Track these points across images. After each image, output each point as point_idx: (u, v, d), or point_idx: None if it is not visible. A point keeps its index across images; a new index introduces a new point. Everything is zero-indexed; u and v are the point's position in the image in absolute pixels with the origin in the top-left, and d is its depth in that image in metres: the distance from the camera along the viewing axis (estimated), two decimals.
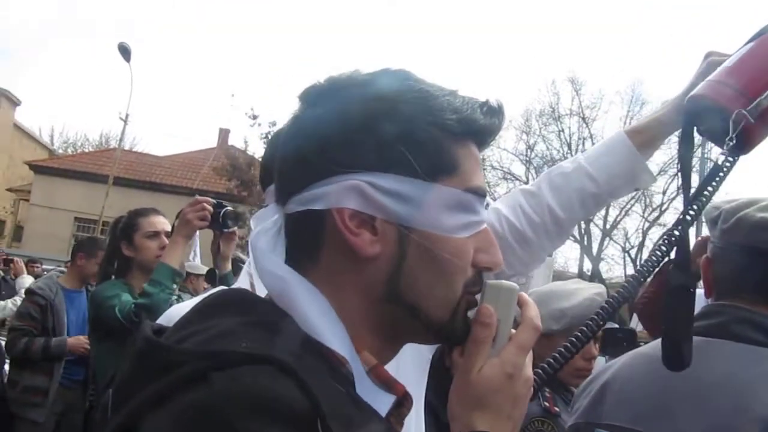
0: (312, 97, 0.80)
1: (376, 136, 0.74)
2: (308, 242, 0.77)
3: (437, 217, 0.75)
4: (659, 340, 1.31)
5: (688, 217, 1.08)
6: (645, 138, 1.36)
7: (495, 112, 0.80)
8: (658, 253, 1.07)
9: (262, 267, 0.77)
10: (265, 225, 0.80)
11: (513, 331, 0.80)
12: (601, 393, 1.39)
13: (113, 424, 0.64)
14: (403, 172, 0.74)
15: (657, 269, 1.08)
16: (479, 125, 0.78)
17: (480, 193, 0.79)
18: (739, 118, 1.09)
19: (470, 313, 0.79)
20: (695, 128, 1.20)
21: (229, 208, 2.79)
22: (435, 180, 0.75)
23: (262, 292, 0.80)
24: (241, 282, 1.35)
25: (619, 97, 41.57)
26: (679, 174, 1.21)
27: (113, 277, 2.91)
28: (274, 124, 20.48)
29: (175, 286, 2.65)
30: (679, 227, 1.08)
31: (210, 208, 2.68)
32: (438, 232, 0.75)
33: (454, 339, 0.80)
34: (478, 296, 0.80)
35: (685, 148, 1.21)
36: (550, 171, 1.44)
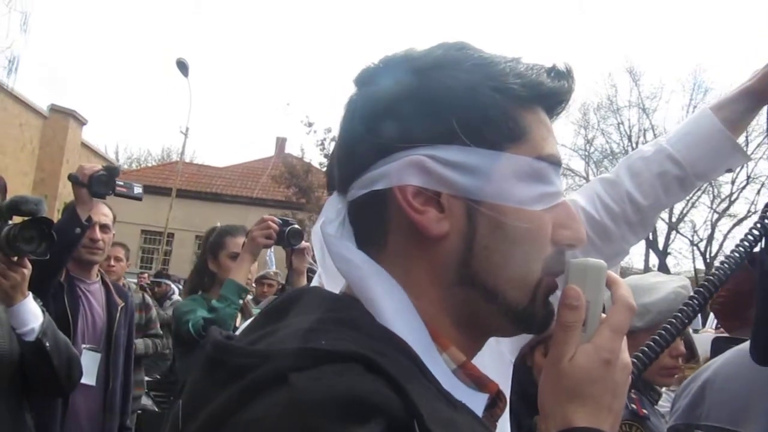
0: (366, 77, 0.76)
1: (435, 107, 0.69)
2: (374, 227, 0.72)
3: (508, 189, 0.69)
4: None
5: None
6: (732, 113, 1.24)
7: (563, 75, 0.74)
8: (750, 238, 0.99)
9: (335, 252, 0.72)
10: (329, 215, 0.76)
11: (603, 315, 0.72)
12: (701, 393, 1.31)
13: None
14: (468, 143, 0.68)
15: (742, 262, 1.00)
16: (547, 88, 0.72)
17: (554, 162, 0.72)
18: None
19: (552, 299, 0.72)
20: None
21: (294, 226, 2.85)
22: (502, 149, 0.69)
23: (332, 287, 0.76)
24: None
25: (680, 86, 40.17)
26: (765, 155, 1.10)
27: (200, 291, 3.01)
28: (329, 130, 20.80)
29: (240, 301, 2.71)
30: None
31: (275, 226, 2.75)
32: (510, 204, 0.69)
33: (535, 326, 0.73)
34: (559, 278, 0.73)
35: None
36: (629, 156, 1.33)
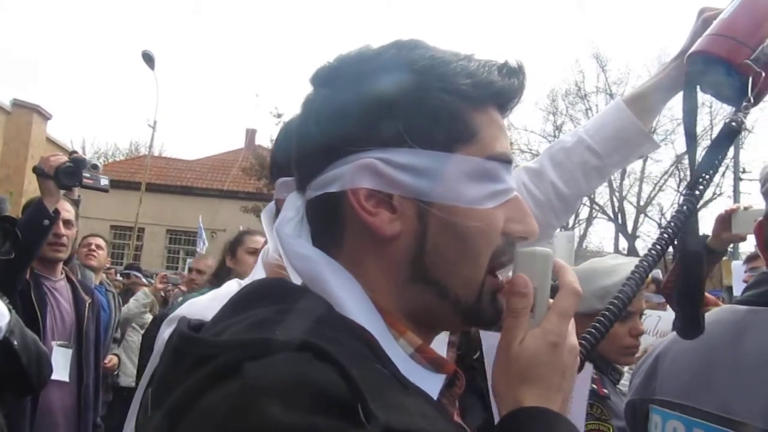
0: (321, 78, 0.78)
1: (386, 110, 0.71)
2: (330, 227, 0.74)
3: (458, 189, 0.71)
4: (708, 314, 1.27)
5: (701, 184, 1.04)
6: (644, 105, 1.33)
7: (515, 73, 0.76)
8: (681, 217, 1.02)
9: (290, 250, 0.74)
10: (288, 214, 0.78)
11: (551, 301, 0.75)
12: (654, 369, 1.37)
13: (153, 423, 0.61)
14: (418, 145, 0.70)
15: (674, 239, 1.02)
16: (497, 87, 0.74)
17: (504, 160, 0.75)
18: (745, 69, 1.04)
19: (501, 297, 0.75)
20: (698, 87, 1.16)
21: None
22: (452, 150, 0.72)
23: (294, 279, 0.77)
24: (257, 274, 1.32)
25: (646, 71, 40.69)
26: (685, 138, 1.17)
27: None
28: None
29: None
30: (694, 191, 1.04)
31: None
32: (460, 204, 0.71)
33: (484, 322, 0.76)
34: (501, 277, 0.76)
35: (689, 109, 1.15)
36: (551, 146, 1.42)
